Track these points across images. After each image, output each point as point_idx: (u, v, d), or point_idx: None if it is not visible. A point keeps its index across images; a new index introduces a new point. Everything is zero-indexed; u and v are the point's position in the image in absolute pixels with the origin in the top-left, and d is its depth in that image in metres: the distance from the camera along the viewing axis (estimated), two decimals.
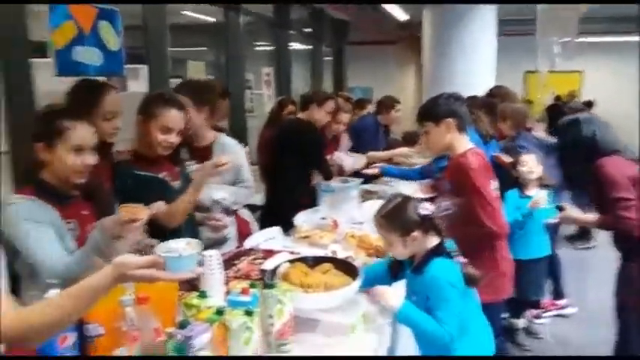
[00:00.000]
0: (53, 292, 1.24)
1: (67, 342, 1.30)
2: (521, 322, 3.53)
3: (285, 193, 3.23)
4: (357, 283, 1.73)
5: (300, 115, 3.40)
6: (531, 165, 3.07)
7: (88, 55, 3.39)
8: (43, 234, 1.56)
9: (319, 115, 3.35)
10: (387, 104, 4.63)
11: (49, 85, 3.24)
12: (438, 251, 1.73)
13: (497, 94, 3.89)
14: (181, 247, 1.21)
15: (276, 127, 3.63)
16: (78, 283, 1.14)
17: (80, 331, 1.35)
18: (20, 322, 1.09)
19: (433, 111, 2.31)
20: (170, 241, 1.22)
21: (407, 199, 1.81)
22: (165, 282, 1.33)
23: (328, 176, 3.34)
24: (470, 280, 1.71)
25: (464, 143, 2.29)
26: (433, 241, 1.75)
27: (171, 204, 2.04)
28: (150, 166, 2.12)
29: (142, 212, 1.58)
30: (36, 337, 1.13)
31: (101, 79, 2.75)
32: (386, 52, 10.92)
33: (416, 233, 1.71)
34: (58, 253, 1.58)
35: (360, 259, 2.15)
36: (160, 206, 1.67)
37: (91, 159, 1.66)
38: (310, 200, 3.39)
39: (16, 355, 1.19)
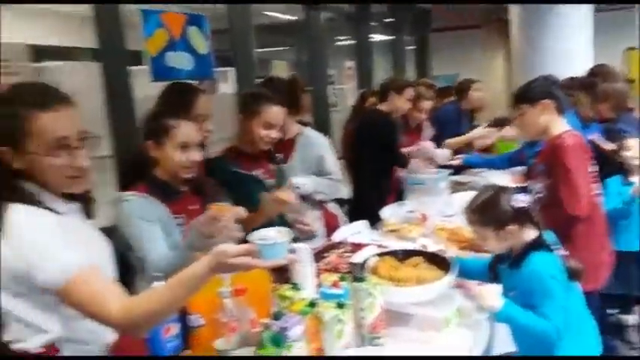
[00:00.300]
0: (158, 284, 1.32)
1: (171, 332, 1.38)
2: (631, 319, 3.27)
3: (369, 187, 3.22)
4: (450, 276, 1.68)
5: (381, 106, 3.35)
6: (636, 150, 2.82)
7: (180, 60, 3.57)
8: (150, 231, 1.66)
9: (399, 103, 3.29)
10: (464, 87, 4.45)
11: (146, 90, 3.46)
12: (537, 244, 1.64)
13: (598, 72, 3.59)
14: (273, 235, 1.23)
15: (357, 120, 3.61)
16: (178, 274, 1.19)
17: (183, 322, 1.42)
18: (125, 312, 1.15)
19: (529, 92, 2.23)
20: (261, 229, 1.25)
21: (499, 190, 1.72)
22: (259, 269, 1.34)
23: (403, 165, 3.27)
24: (573, 274, 1.60)
25: (560, 126, 2.18)
26: (531, 234, 1.66)
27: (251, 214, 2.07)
28: (247, 163, 2.21)
29: (228, 211, 1.61)
30: (141, 326, 1.19)
31: (192, 82, 2.86)
32: (471, 38, 10.54)
33: (511, 227, 1.64)
34: (161, 249, 1.66)
35: (451, 253, 2.09)
36: (239, 212, 1.71)
37: (197, 155, 1.75)
38: (396, 193, 3.36)
39: (39, 355, 1.20)
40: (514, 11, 6.10)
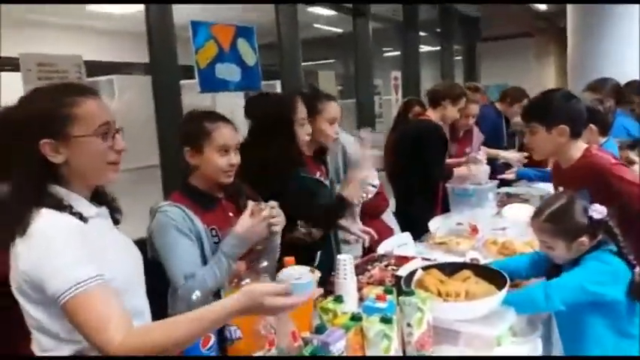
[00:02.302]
0: (197, 294, 1.30)
1: (210, 343, 1.35)
2: None
3: (414, 198, 3.13)
4: (504, 292, 1.59)
5: (430, 113, 3.23)
6: None
7: (228, 72, 3.63)
8: (181, 244, 1.61)
9: (451, 113, 3.18)
10: (514, 96, 4.20)
11: (195, 102, 3.53)
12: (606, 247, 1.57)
13: None
14: (300, 272, 1.21)
15: (400, 130, 3.51)
16: (209, 306, 1.13)
17: (220, 333, 1.40)
18: (128, 345, 1.06)
19: (546, 113, 2.02)
20: (285, 270, 1.23)
21: (573, 199, 1.62)
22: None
23: (444, 178, 3.15)
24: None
25: (576, 148, 2.03)
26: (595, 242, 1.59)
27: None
28: (308, 166, 2.21)
29: (265, 210, 1.62)
30: (157, 353, 1.08)
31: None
32: (522, 46, 10.27)
33: (584, 238, 1.55)
34: (189, 266, 1.60)
35: None
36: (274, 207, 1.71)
37: (236, 159, 1.72)
38: (442, 204, 3.26)
39: (43, 357, 1.18)
40: (572, 16, 5.88)
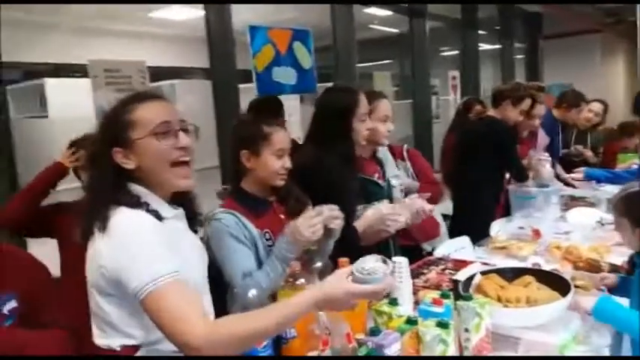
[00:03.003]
0: (253, 292, 1.32)
1: (265, 342, 1.36)
2: None
3: (474, 201, 3.04)
4: (568, 298, 1.52)
5: (492, 112, 3.14)
6: None
7: (285, 75, 3.68)
8: (237, 250, 1.63)
9: (513, 114, 3.07)
10: (570, 100, 3.93)
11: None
12: None
13: None
14: (374, 265, 1.20)
15: (461, 130, 3.42)
16: (278, 304, 1.17)
17: None
18: (208, 334, 1.08)
19: None
20: (359, 261, 1.22)
21: None
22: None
23: (523, 178, 3.06)
24: None
25: None
26: None
27: None
28: (365, 167, 2.19)
29: (317, 211, 1.62)
30: (221, 352, 1.10)
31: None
32: (588, 43, 9.75)
33: None
34: (245, 269, 1.62)
35: (566, 273, 1.90)
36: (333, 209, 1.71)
37: (289, 162, 1.75)
38: (503, 208, 3.16)
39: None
40: None
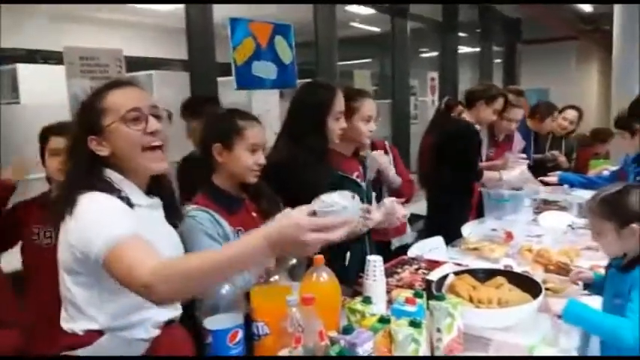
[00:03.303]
0: (225, 288, 1.31)
1: (237, 338, 1.35)
2: None
3: (447, 202, 3.06)
4: (539, 300, 1.54)
5: (466, 114, 3.16)
6: None
7: (265, 70, 3.65)
8: (211, 248, 1.57)
9: (486, 114, 3.10)
10: (542, 112, 4.13)
11: (230, 99, 3.57)
12: None
13: None
14: (337, 199, 1.10)
15: (437, 131, 3.42)
16: (230, 244, 1.15)
17: (247, 329, 1.40)
18: (157, 270, 1.07)
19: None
20: (322, 196, 1.14)
21: (631, 186, 1.60)
22: (330, 279, 1.34)
23: (476, 180, 3.08)
24: None
25: None
26: None
27: None
28: (345, 166, 2.18)
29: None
30: (173, 290, 1.09)
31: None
32: (565, 50, 9.97)
33: (635, 226, 1.50)
34: None
35: (537, 276, 1.93)
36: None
37: (262, 159, 1.72)
38: (476, 209, 3.19)
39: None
40: (618, 19, 5.69)
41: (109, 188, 1.24)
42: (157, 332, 1.32)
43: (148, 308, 1.26)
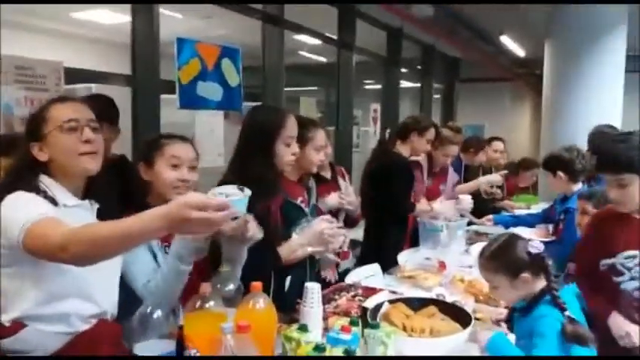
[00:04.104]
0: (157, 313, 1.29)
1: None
2: None
3: (383, 230, 3.13)
4: (468, 330, 1.59)
5: (400, 146, 3.23)
6: None
7: (210, 91, 3.63)
8: (138, 254, 1.59)
9: (420, 145, 3.20)
10: (474, 145, 4.38)
11: (172, 118, 3.51)
12: (548, 294, 1.58)
13: None
14: (233, 191, 1.20)
15: (376, 161, 3.50)
16: (140, 215, 1.18)
17: (180, 356, 1.36)
18: (69, 234, 1.20)
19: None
20: (218, 187, 1.24)
21: (513, 237, 1.68)
22: (266, 307, 1.39)
23: (407, 212, 3.16)
24: (577, 339, 1.49)
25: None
26: (541, 284, 1.60)
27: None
28: (291, 191, 2.18)
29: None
30: (83, 252, 1.19)
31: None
32: (499, 90, 10.54)
33: (525, 275, 1.58)
34: (145, 273, 1.61)
35: (468, 306, 2.00)
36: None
37: (190, 175, 1.70)
38: (411, 238, 3.27)
39: (16, 356, 1.31)
40: (548, 64, 6.10)
41: (33, 189, 1.35)
42: (84, 327, 1.39)
43: (69, 299, 1.36)
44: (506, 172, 4.29)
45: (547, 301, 1.57)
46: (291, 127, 2.05)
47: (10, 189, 1.34)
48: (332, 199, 2.70)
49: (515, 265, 1.59)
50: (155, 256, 1.66)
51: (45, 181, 1.40)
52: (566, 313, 1.53)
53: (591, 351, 1.55)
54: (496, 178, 3.99)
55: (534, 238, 1.69)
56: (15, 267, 1.32)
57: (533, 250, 1.59)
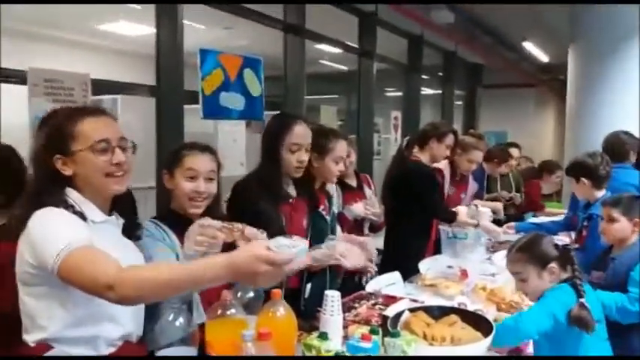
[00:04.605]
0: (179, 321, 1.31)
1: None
2: None
3: (405, 238, 3.11)
4: (489, 339, 1.58)
5: (419, 153, 3.19)
6: None
7: (232, 101, 3.68)
8: (163, 251, 1.62)
9: (440, 151, 3.15)
10: (498, 156, 4.33)
11: (196, 127, 3.56)
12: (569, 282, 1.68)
13: None
14: (289, 242, 1.23)
15: (398, 168, 3.49)
16: (194, 261, 1.20)
17: None
18: (121, 272, 1.16)
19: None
20: (278, 237, 1.25)
21: (540, 234, 1.83)
22: (287, 315, 1.41)
23: (447, 219, 3.12)
24: (579, 323, 1.58)
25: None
26: (567, 276, 1.72)
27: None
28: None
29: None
30: (136, 294, 1.18)
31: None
32: (522, 96, 10.42)
33: (553, 265, 1.69)
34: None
35: (490, 314, 1.98)
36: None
37: (206, 187, 1.71)
38: (434, 246, 3.25)
39: (22, 356, 1.30)
40: (572, 69, 6.02)
41: (61, 203, 1.30)
42: (109, 350, 1.35)
43: (98, 322, 1.31)
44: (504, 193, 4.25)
45: (567, 285, 1.67)
46: (297, 134, 2.06)
47: (36, 203, 1.29)
48: (357, 208, 2.74)
49: (543, 257, 1.71)
50: (177, 255, 1.66)
51: (72, 195, 1.35)
52: (582, 300, 1.61)
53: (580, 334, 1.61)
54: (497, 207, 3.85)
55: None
56: (43, 287, 1.28)
57: (560, 243, 1.71)
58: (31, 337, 1.30)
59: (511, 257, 1.78)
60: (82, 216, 1.32)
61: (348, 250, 2.15)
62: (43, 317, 1.28)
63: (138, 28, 5.34)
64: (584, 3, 5.55)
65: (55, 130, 1.35)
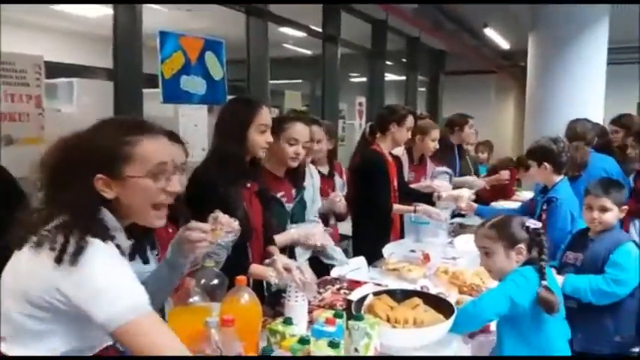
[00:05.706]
0: None
1: None
2: None
3: (368, 224, 3.13)
4: (451, 321, 1.61)
5: (381, 139, 3.14)
6: None
7: (193, 85, 3.60)
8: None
9: (400, 135, 3.10)
10: (458, 122, 4.35)
11: (155, 112, 3.48)
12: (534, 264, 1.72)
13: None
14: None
15: (360, 155, 3.42)
16: None
17: None
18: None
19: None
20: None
21: (513, 215, 1.86)
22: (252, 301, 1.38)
23: (382, 210, 3.10)
24: (547, 305, 1.62)
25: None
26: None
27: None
28: (272, 184, 2.21)
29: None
30: None
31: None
32: (484, 82, 10.60)
33: (522, 245, 1.72)
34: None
35: (452, 297, 2.02)
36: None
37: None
38: (398, 231, 3.28)
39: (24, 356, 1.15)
40: (532, 56, 6.15)
41: (106, 235, 1.15)
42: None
43: (91, 351, 1.19)
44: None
45: (531, 268, 1.71)
46: (263, 116, 2.04)
47: (76, 229, 1.11)
48: (322, 206, 2.74)
49: (514, 236, 1.73)
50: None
51: (110, 222, 1.18)
52: (544, 282, 1.65)
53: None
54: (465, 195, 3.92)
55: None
56: (55, 315, 1.12)
57: (532, 226, 1.73)
58: (10, 351, 1.14)
59: (482, 232, 1.80)
60: (120, 249, 1.18)
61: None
62: (34, 338, 1.13)
63: (95, 8, 5.16)
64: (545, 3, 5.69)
65: (104, 148, 1.17)
